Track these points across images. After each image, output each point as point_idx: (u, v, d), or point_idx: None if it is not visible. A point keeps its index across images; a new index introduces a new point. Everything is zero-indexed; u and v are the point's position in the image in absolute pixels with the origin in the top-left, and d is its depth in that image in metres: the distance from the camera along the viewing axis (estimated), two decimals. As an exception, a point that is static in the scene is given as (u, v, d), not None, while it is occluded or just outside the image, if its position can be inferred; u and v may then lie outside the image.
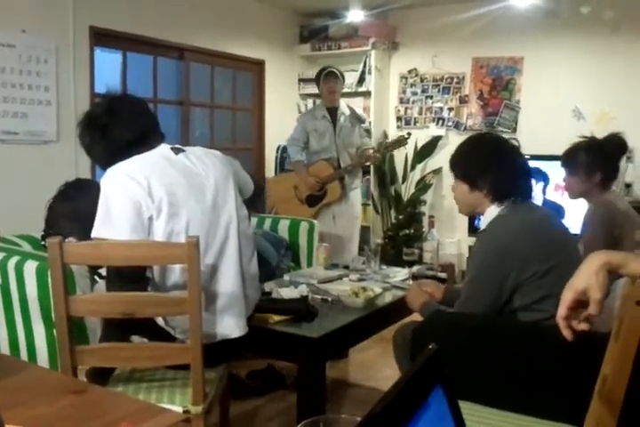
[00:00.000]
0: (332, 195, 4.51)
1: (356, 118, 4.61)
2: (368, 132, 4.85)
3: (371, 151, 4.56)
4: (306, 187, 4.52)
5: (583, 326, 1.21)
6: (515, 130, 5.48)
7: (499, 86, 5.58)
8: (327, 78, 4.49)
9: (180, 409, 1.80)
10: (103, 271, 2.34)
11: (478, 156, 2.13)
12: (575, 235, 2.62)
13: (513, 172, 2.08)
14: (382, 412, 0.56)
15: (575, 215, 2.99)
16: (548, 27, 5.20)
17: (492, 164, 2.08)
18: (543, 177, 4.36)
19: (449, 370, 0.72)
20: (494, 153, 2.10)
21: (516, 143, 2.22)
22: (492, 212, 2.08)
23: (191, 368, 1.78)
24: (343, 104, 4.63)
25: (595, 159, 2.74)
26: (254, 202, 2.54)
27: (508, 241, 1.94)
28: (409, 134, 4.67)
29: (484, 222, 2.11)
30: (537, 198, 4.36)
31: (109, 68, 4.88)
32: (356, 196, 4.68)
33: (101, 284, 2.26)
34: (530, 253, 1.91)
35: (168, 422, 1.12)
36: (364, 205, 6.03)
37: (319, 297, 2.59)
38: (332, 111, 4.55)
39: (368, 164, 4.90)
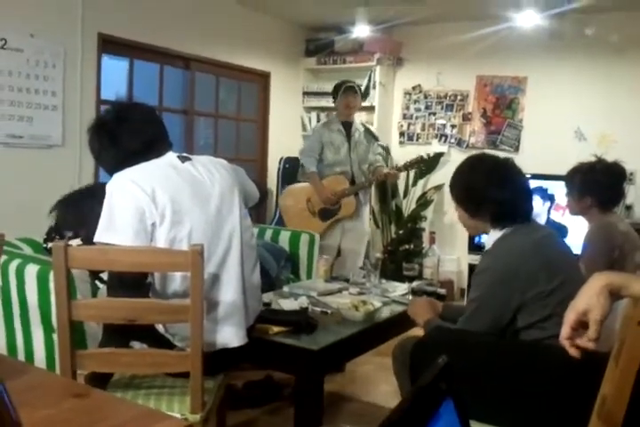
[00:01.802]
0: (346, 210, 4.44)
1: (371, 135, 4.59)
2: (385, 149, 4.82)
3: (385, 169, 4.49)
4: (320, 200, 4.43)
5: (589, 345, 1.21)
6: (517, 149, 5.51)
7: (502, 105, 5.62)
8: (347, 92, 4.44)
9: (178, 417, 1.79)
10: (104, 276, 2.34)
11: (476, 182, 2.09)
12: (576, 255, 2.64)
13: (513, 195, 2.05)
14: (398, 421, 0.57)
15: (578, 235, 3.01)
16: (552, 48, 5.25)
17: (491, 190, 2.05)
18: (549, 197, 4.38)
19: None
20: (492, 178, 2.07)
21: (515, 162, 2.18)
22: (496, 231, 2.09)
23: (190, 376, 1.78)
24: (357, 120, 4.61)
25: (587, 184, 2.77)
26: (257, 208, 2.55)
27: (513, 260, 1.95)
28: (428, 155, 4.64)
29: (488, 242, 2.12)
30: (541, 218, 4.38)
31: (116, 75, 4.91)
32: (365, 212, 4.64)
33: (105, 289, 2.27)
34: (535, 273, 1.92)
35: (170, 428, 1.12)
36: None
37: (319, 309, 2.59)
38: (346, 125, 4.51)
39: (386, 181, 4.85)
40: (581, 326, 1.22)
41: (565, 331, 1.22)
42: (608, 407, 1.33)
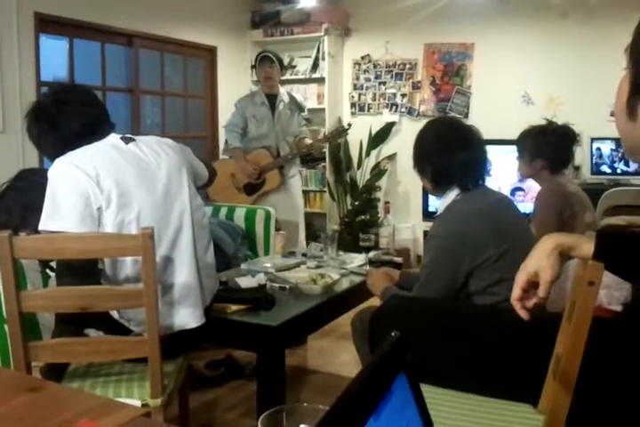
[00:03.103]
0: (270, 183, 4.40)
1: (296, 106, 4.50)
2: (308, 120, 4.76)
3: (307, 140, 4.46)
4: (244, 175, 4.39)
5: (534, 301, 1.24)
6: (466, 115, 5.55)
7: (450, 72, 5.64)
8: (262, 63, 4.35)
9: (138, 403, 1.78)
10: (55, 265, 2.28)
11: (424, 143, 2.16)
12: (527, 215, 2.68)
13: (451, 161, 2.07)
14: (348, 401, 0.56)
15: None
16: (498, 13, 5.27)
17: (432, 153, 2.11)
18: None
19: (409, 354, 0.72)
20: (440, 142, 2.11)
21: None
22: (447, 197, 2.11)
23: (149, 361, 1.76)
24: (283, 91, 4.50)
25: (538, 147, 2.80)
26: (206, 187, 2.52)
27: (462, 226, 1.97)
28: (349, 125, 4.60)
29: (439, 207, 2.14)
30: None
31: (56, 56, 4.75)
32: (295, 184, 4.58)
33: (55, 278, 2.22)
34: (484, 238, 1.94)
35: (128, 417, 1.10)
36: (320, 191, 6.04)
37: (277, 285, 2.58)
38: (272, 98, 4.42)
39: (310, 153, 4.71)
40: (532, 286, 1.24)
41: (516, 292, 1.25)
42: (562, 366, 1.36)
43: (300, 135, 4.49)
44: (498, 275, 1.92)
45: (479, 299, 1.97)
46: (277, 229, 3.73)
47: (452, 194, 2.10)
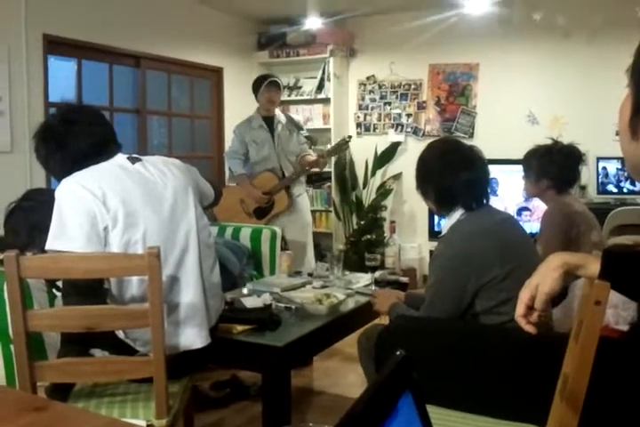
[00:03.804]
0: (279, 205, 4.41)
1: (294, 125, 4.52)
2: (309, 138, 4.79)
3: (309, 157, 4.46)
4: (252, 200, 4.41)
5: (536, 314, 1.24)
6: (472, 135, 5.56)
7: (455, 92, 5.67)
8: (270, 87, 4.37)
9: (143, 423, 1.77)
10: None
11: (426, 164, 2.16)
12: (533, 235, 2.67)
13: (455, 181, 2.07)
14: (353, 419, 0.56)
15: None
16: (502, 33, 5.31)
17: (434, 174, 2.11)
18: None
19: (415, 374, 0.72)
20: (443, 162, 2.11)
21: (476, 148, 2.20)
22: (452, 217, 2.11)
23: (154, 381, 1.75)
24: (278, 112, 4.54)
25: (543, 167, 2.80)
26: (212, 207, 2.53)
27: (466, 246, 1.97)
28: (350, 137, 4.61)
29: (444, 227, 2.14)
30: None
31: (64, 77, 4.80)
32: (303, 203, 4.58)
33: (61, 297, 2.22)
34: (489, 257, 1.94)
35: (132, 437, 1.10)
36: (326, 211, 6.04)
37: (283, 305, 2.58)
38: (268, 120, 4.44)
39: (314, 170, 4.76)
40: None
41: (520, 309, 1.24)
42: (570, 386, 1.35)
43: (301, 153, 4.50)
44: (504, 295, 1.91)
45: (485, 319, 1.96)
46: (284, 249, 3.73)
47: (457, 214, 2.10)
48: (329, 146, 5.20)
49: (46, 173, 3.64)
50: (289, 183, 4.40)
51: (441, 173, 2.10)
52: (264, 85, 4.39)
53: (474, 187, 2.09)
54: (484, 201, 2.14)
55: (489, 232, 2.01)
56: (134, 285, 1.90)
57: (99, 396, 1.93)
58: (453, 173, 2.07)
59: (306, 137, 4.64)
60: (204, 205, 2.18)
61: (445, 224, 2.15)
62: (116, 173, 1.94)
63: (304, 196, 4.63)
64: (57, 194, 1.87)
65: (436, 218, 4.70)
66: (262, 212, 4.44)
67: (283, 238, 4.28)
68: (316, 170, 4.82)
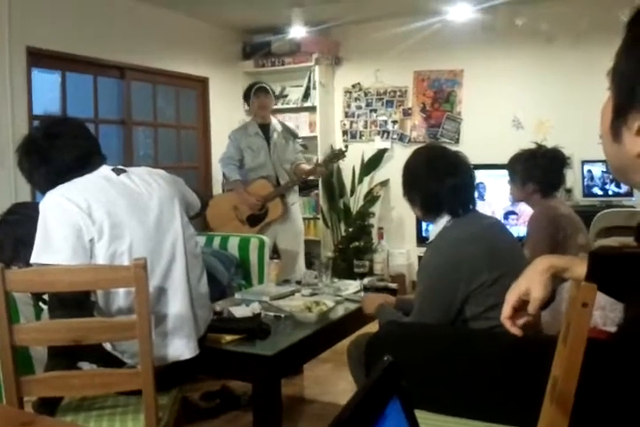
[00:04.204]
0: (273, 213, 4.41)
1: (290, 133, 4.54)
2: (304, 146, 4.81)
3: (304, 166, 4.49)
4: (246, 207, 4.41)
5: (524, 319, 1.24)
6: (457, 141, 5.59)
7: (440, 99, 5.70)
8: (258, 93, 4.40)
9: (132, 436, 1.75)
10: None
11: (412, 170, 2.17)
12: (520, 239, 2.68)
13: (440, 187, 2.07)
14: (341, 425, 0.56)
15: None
16: (485, 39, 5.35)
17: (421, 180, 2.12)
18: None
19: (404, 380, 0.72)
20: (429, 169, 2.12)
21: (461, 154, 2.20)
22: (438, 223, 2.11)
23: (143, 394, 1.74)
24: (275, 120, 4.57)
25: (528, 171, 2.82)
26: (198, 217, 2.52)
27: (455, 252, 1.97)
28: (346, 147, 4.65)
29: (432, 234, 2.14)
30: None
31: (48, 89, 4.78)
32: (296, 211, 4.59)
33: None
34: (478, 263, 1.94)
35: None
36: (314, 219, 6.04)
37: (272, 314, 2.57)
38: (264, 128, 4.46)
39: (311, 178, 4.80)
40: (523, 305, 1.24)
41: (506, 310, 1.25)
42: (559, 388, 1.35)
43: (296, 162, 4.52)
44: (492, 299, 1.91)
45: (475, 324, 1.96)
46: (272, 258, 3.72)
47: (443, 220, 2.10)
48: (316, 157, 5.21)
49: (31, 186, 3.62)
50: (284, 191, 4.42)
51: (427, 179, 2.10)
52: (253, 93, 4.42)
53: (459, 193, 2.10)
54: (471, 207, 2.14)
55: (477, 238, 2.01)
56: (121, 296, 1.89)
57: (87, 409, 1.91)
58: (439, 179, 2.07)
59: (302, 145, 4.66)
60: (189, 215, 2.18)
61: (432, 231, 2.15)
62: (101, 185, 1.93)
63: (297, 205, 4.64)
64: (41, 207, 1.85)
65: (424, 224, 4.71)
66: (255, 219, 4.44)
67: (275, 247, 4.28)
68: (312, 178, 4.84)
